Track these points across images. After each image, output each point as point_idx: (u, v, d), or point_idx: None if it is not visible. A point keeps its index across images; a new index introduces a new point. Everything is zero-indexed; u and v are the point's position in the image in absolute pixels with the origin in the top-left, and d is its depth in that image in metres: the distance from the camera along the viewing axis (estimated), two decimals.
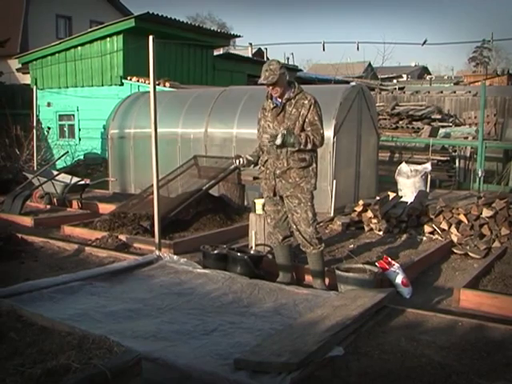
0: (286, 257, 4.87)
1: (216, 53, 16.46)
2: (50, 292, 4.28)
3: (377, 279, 4.54)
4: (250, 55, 19.93)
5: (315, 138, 4.45)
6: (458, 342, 3.57)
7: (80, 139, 13.97)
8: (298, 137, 4.41)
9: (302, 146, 4.42)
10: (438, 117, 13.38)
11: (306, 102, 4.49)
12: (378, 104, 13.80)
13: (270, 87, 4.48)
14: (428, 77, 29.37)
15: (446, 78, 29.96)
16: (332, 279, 4.72)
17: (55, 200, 8.71)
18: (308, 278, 4.94)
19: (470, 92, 15.00)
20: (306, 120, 4.48)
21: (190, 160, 8.39)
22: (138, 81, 12.63)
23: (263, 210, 5.50)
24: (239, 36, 17.21)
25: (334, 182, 7.85)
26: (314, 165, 4.59)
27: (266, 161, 4.66)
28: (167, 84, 12.04)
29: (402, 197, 7.60)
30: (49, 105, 14.36)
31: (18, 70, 17.67)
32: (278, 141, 4.35)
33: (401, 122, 13.24)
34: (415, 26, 78.81)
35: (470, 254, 5.81)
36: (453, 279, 5.10)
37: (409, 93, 15.76)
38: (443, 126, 12.94)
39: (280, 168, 4.55)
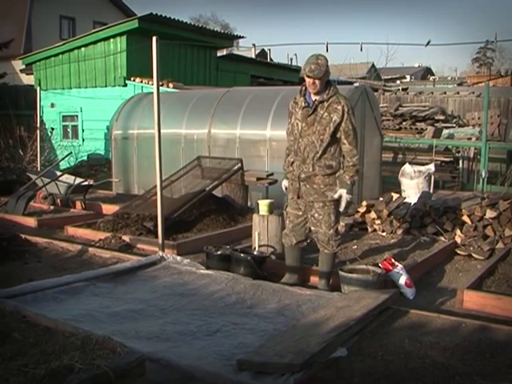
0: (295, 258, 4.84)
1: (219, 54, 16.48)
2: (53, 292, 4.29)
3: (380, 280, 4.53)
4: (253, 56, 19.92)
5: (354, 162, 4.41)
6: (461, 343, 3.56)
7: (83, 140, 14.00)
8: (349, 181, 4.42)
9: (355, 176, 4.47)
10: (442, 118, 13.34)
11: (339, 107, 4.37)
12: (381, 105, 13.77)
13: (311, 80, 4.34)
14: (431, 78, 29.37)
15: (449, 78, 29.94)
16: (335, 280, 4.71)
17: (59, 201, 8.73)
18: (312, 279, 4.93)
19: (473, 93, 14.95)
20: (340, 128, 4.39)
21: (194, 161, 8.39)
22: (141, 82, 12.65)
23: (268, 211, 5.51)
24: (242, 37, 17.24)
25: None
26: (342, 171, 4.50)
27: (293, 162, 4.62)
28: (171, 85, 12.06)
29: (405, 198, 7.58)
30: (52, 106, 14.39)
31: (21, 70, 17.72)
32: (348, 200, 4.47)
33: (404, 123, 13.21)
34: (419, 26, 78.73)
35: (474, 255, 5.79)
36: (456, 280, 5.09)
37: (412, 93, 15.71)
38: (447, 127, 12.90)
39: (305, 172, 4.51)
